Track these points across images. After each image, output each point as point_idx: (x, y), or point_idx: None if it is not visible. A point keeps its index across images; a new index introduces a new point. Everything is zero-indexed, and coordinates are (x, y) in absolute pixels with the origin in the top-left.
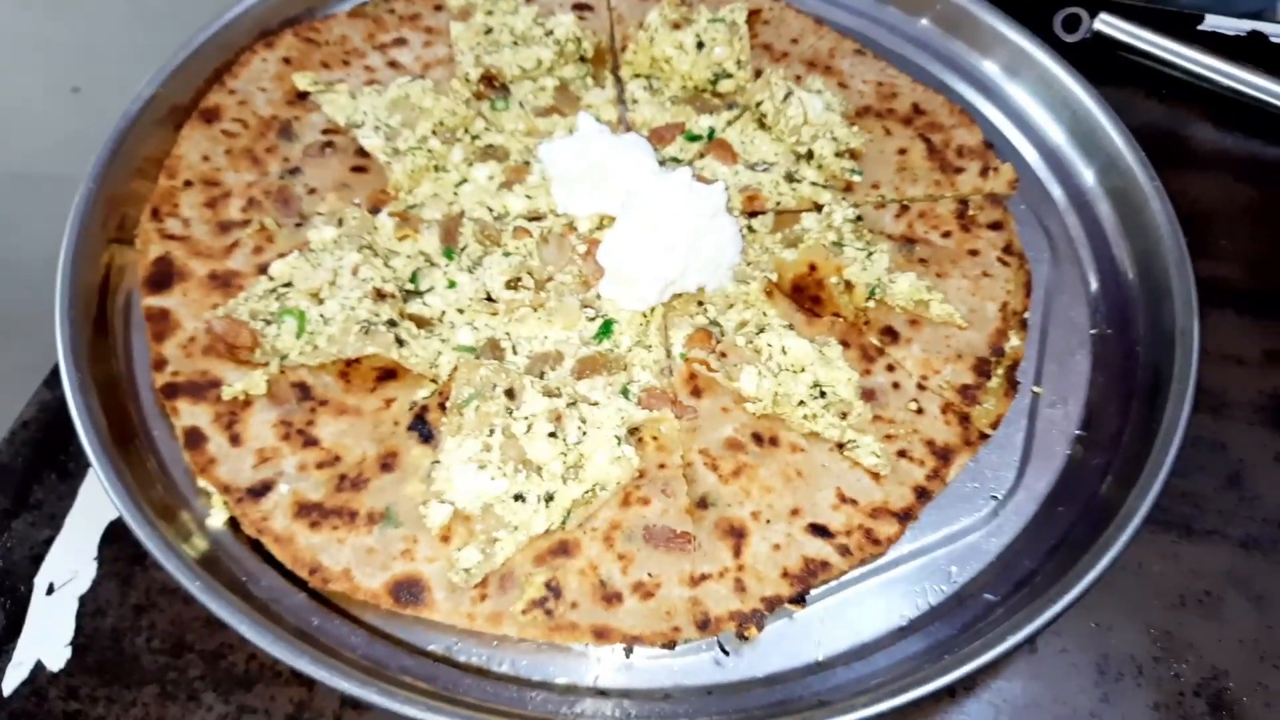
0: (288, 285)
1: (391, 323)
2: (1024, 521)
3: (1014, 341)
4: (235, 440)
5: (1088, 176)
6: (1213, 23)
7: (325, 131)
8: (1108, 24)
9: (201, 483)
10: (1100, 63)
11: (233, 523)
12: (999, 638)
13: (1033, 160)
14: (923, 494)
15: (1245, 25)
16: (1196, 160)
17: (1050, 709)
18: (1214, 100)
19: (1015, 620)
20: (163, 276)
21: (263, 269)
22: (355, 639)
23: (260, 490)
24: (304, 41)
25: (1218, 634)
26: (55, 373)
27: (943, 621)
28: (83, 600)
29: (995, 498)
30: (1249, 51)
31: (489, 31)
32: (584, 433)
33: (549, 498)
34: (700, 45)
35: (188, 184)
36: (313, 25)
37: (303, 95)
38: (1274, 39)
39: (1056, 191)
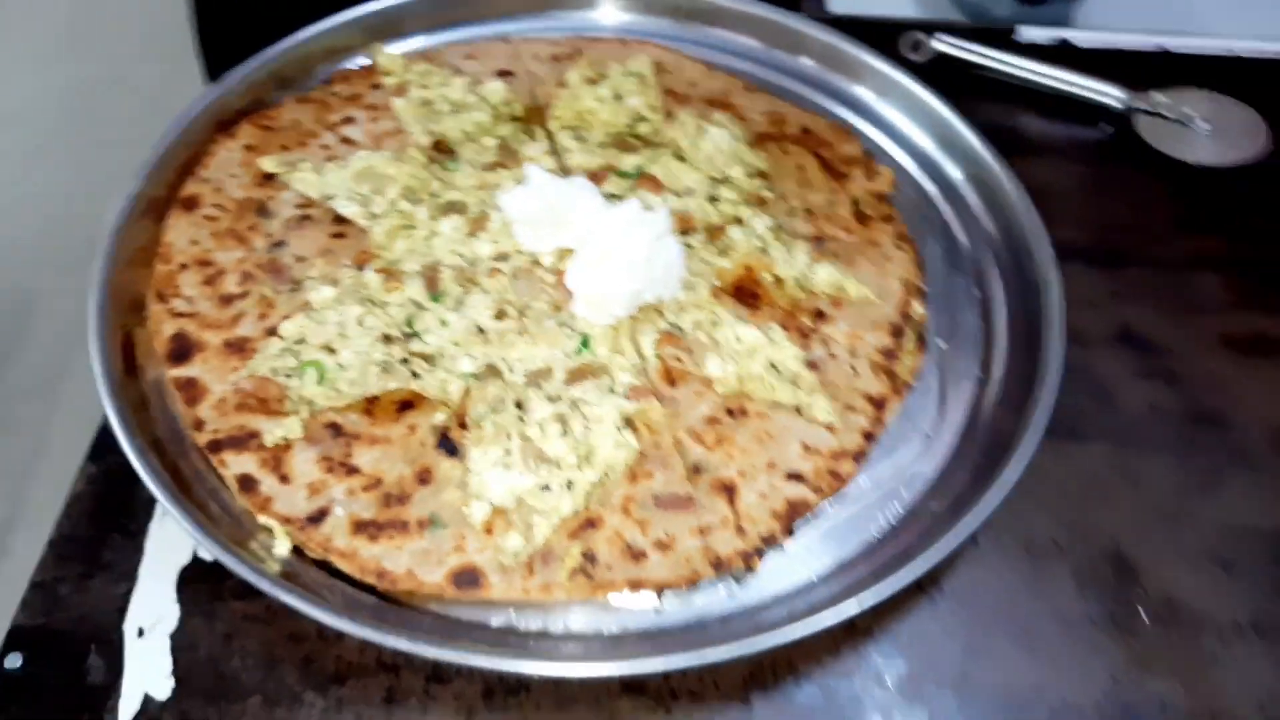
0: (300, 342)
1: (404, 360)
2: (951, 448)
3: (918, 309)
4: (284, 479)
5: (954, 172)
6: (1029, 35)
7: (300, 205)
8: (944, 42)
9: (262, 519)
10: (948, 77)
11: (297, 552)
12: (951, 537)
13: (909, 165)
14: (869, 437)
15: (1055, 34)
16: (1033, 147)
17: (996, 587)
18: (1040, 97)
19: (960, 522)
20: (181, 350)
21: (272, 331)
22: (427, 623)
23: (318, 517)
24: (261, 129)
25: (1111, 511)
26: (96, 448)
27: (903, 533)
28: (173, 638)
29: (927, 434)
30: (1061, 55)
31: (427, 103)
32: (588, 428)
33: (569, 484)
34: (617, 96)
35: (183, 266)
36: (265, 114)
37: (270, 176)
38: (1078, 44)
39: (931, 188)
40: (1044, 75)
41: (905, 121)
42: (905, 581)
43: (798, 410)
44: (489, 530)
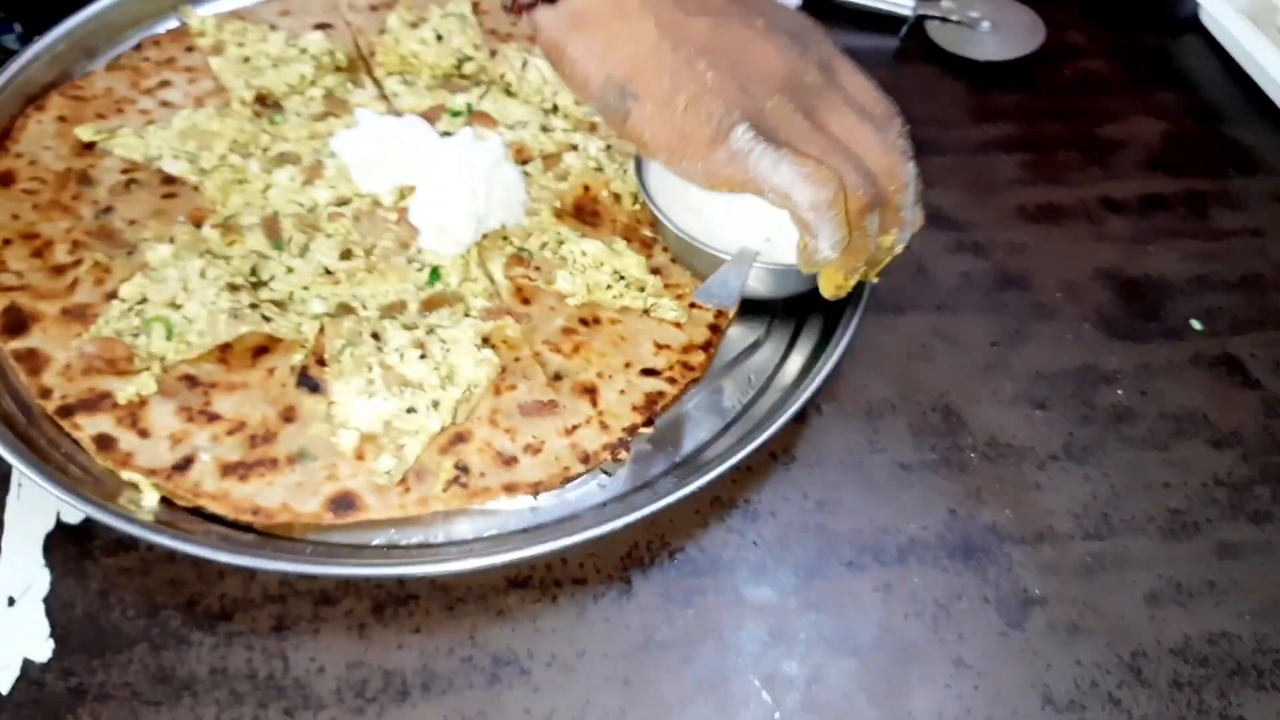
0: (142, 302)
1: (253, 305)
2: (788, 336)
3: None
4: (144, 434)
5: None
6: None
7: (124, 171)
8: None
9: (126, 475)
10: None
11: (166, 502)
12: (793, 402)
13: None
14: (715, 329)
15: None
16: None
17: (841, 448)
18: (841, 12)
19: (801, 389)
20: (16, 323)
21: (112, 295)
22: (308, 550)
23: (183, 465)
24: (72, 100)
25: (935, 370)
26: None
27: (753, 410)
28: (46, 601)
29: (768, 322)
30: None
31: (247, 60)
32: (447, 350)
33: (435, 404)
34: (439, 37)
35: (6, 242)
36: (75, 84)
37: (89, 145)
38: None
39: None
40: None
41: None
42: (755, 447)
43: (646, 312)
44: (360, 456)
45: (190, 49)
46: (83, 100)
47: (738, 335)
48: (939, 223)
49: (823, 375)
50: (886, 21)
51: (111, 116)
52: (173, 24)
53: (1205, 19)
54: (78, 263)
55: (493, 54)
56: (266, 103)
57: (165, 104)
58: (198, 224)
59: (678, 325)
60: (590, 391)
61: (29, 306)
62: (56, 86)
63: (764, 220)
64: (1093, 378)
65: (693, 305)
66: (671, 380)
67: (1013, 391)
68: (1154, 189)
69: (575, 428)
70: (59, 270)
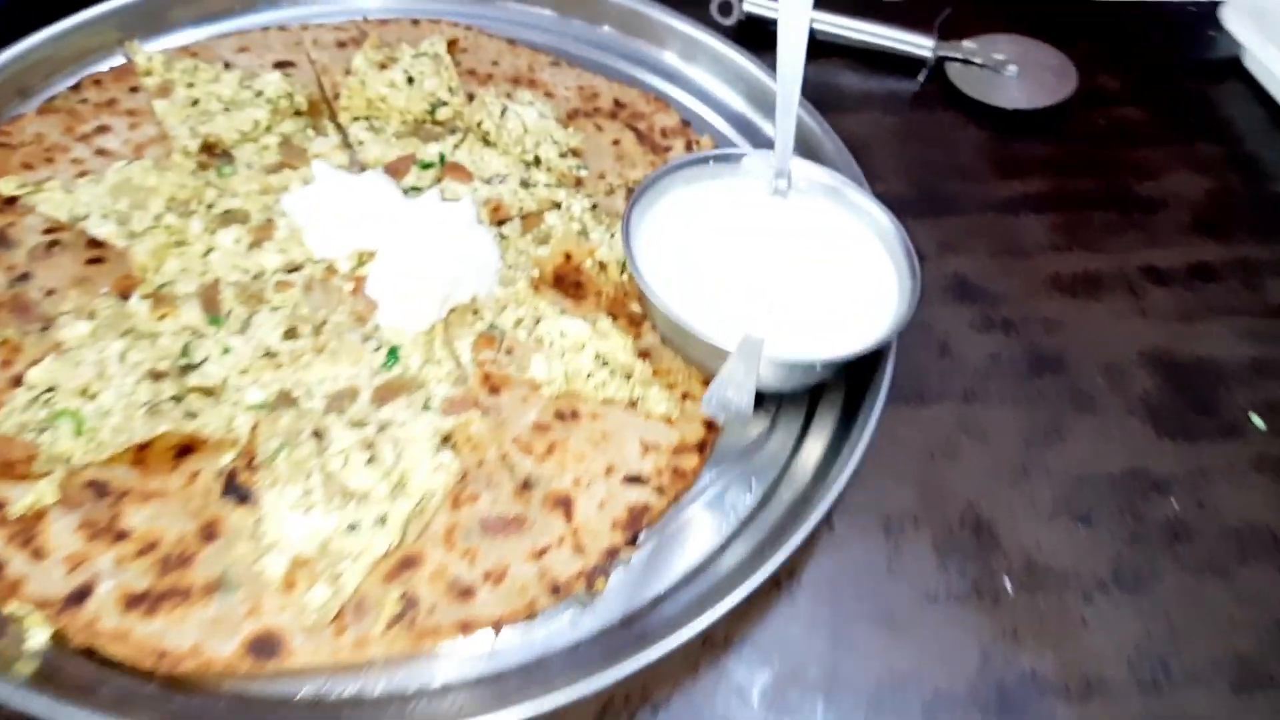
0: (51, 390)
1: (176, 398)
2: (797, 428)
3: None
4: (38, 554)
5: (772, 132)
6: None
7: (47, 231)
8: (755, 5)
9: (10, 608)
10: (758, 37)
11: (60, 639)
12: (801, 520)
13: (724, 128)
14: (711, 426)
15: None
16: (850, 102)
17: (856, 571)
18: (853, 53)
19: (812, 507)
20: None
21: (18, 381)
22: (221, 707)
23: (80, 595)
24: None
25: (962, 472)
26: None
27: (754, 527)
28: None
29: (773, 414)
30: (869, 8)
31: (196, 103)
32: (400, 452)
33: (382, 519)
34: (410, 80)
35: None
36: (1, 128)
37: (10, 200)
38: None
39: (750, 150)
40: (854, 30)
41: (718, 85)
42: (760, 580)
43: (632, 405)
44: (290, 586)
45: (135, 89)
46: (8, 148)
47: (734, 428)
48: (963, 294)
49: (840, 483)
50: (904, 63)
51: (40, 167)
52: (118, 60)
53: (1249, 62)
54: None
55: (470, 98)
56: (214, 152)
57: (101, 152)
58: (125, 295)
59: (669, 421)
60: (564, 504)
61: None
62: None
63: (763, 303)
64: (1142, 484)
65: (686, 396)
66: (659, 490)
67: (1051, 500)
68: (1201, 256)
69: (545, 550)
70: None
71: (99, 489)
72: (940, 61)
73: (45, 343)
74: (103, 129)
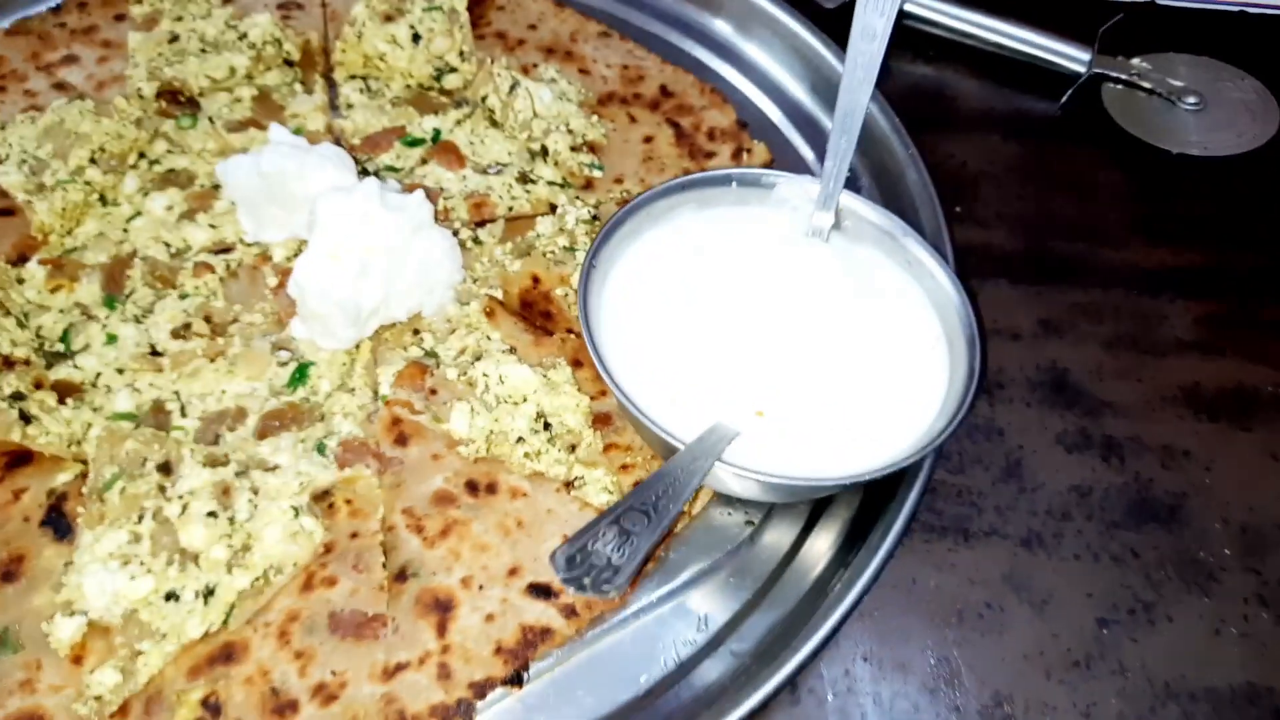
0: None
1: (18, 395)
2: (783, 550)
3: None
4: None
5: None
6: None
7: None
8: None
9: None
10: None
11: None
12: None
13: (777, 118)
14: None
15: None
16: (964, 122)
17: None
18: (981, 57)
19: (773, 665)
20: None
21: None
22: None
23: None
24: None
25: (999, 650)
26: None
27: (689, 679)
28: None
29: (751, 523)
30: (1017, 2)
31: (174, 39)
32: (255, 506)
33: (209, 592)
34: (416, 38)
35: None
36: None
37: None
38: None
39: (810, 155)
40: (988, 29)
41: (776, 65)
42: None
43: (567, 486)
44: (78, 659)
45: (120, 17)
46: None
47: (699, 534)
48: (1059, 395)
49: (816, 640)
50: (1046, 78)
51: None
52: None
53: None
54: None
55: (482, 65)
56: (179, 99)
57: (60, 86)
58: (24, 257)
59: None
60: (442, 609)
61: None
62: None
63: (765, 380)
64: (1264, 711)
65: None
66: (569, 611)
67: (1118, 714)
68: None
69: (401, 668)
70: None
71: None
72: (1095, 81)
73: None
74: (70, 59)
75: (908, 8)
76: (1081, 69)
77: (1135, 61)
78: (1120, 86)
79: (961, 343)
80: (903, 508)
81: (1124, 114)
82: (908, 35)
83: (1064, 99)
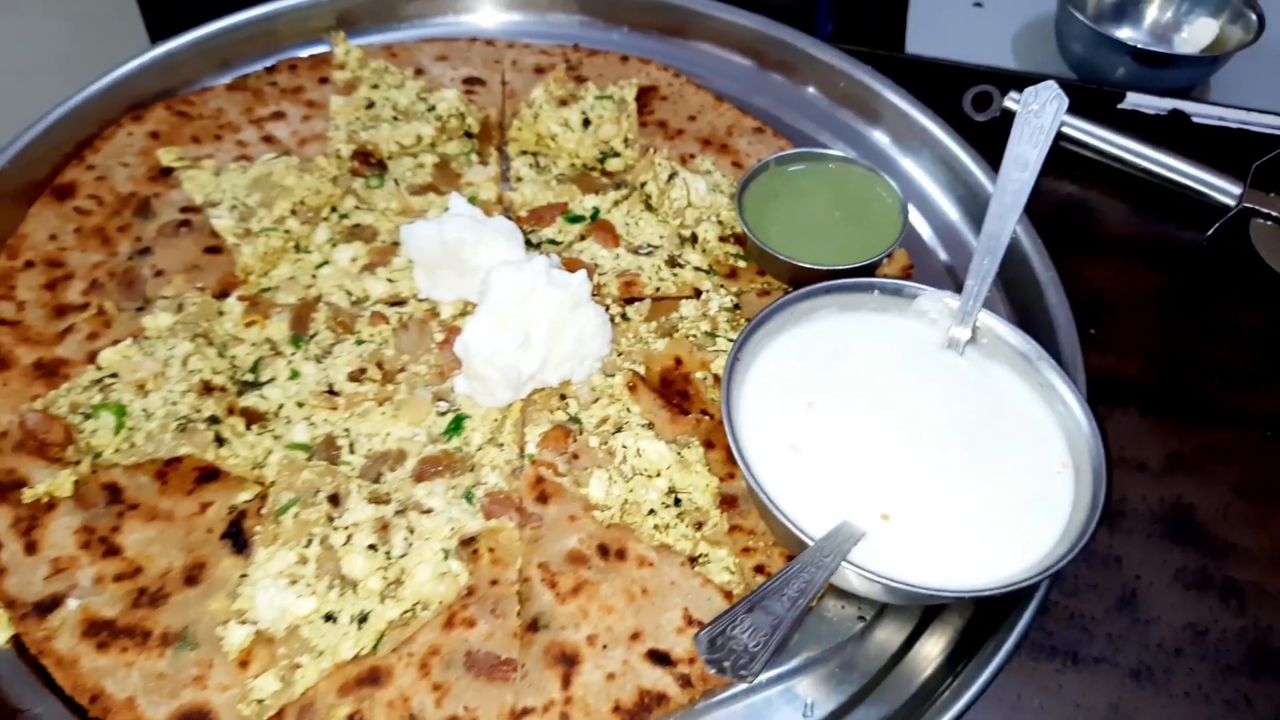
0: (114, 376)
1: (213, 419)
2: (892, 648)
3: None
4: (31, 548)
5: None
6: (1134, 101)
7: (184, 210)
8: (1017, 100)
9: None
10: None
11: (18, 643)
12: None
13: (927, 235)
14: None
15: (1167, 104)
16: (1107, 245)
17: None
18: (1129, 182)
19: None
20: None
21: (94, 356)
22: None
23: (48, 605)
24: (175, 115)
25: None
26: None
27: None
28: None
29: (863, 618)
30: (1169, 131)
31: (370, 105)
32: (410, 544)
33: (362, 618)
34: (586, 123)
35: (29, 264)
36: (187, 98)
37: (167, 171)
38: (1196, 119)
39: (947, 258)
40: (1139, 155)
41: (928, 180)
42: None
43: (690, 561)
44: (244, 663)
45: (324, 80)
46: (186, 118)
47: (811, 623)
48: (1181, 533)
49: None
50: (1195, 209)
51: (206, 143)
52: (322, 49)
53: None
54: (84, 306)
55: (645, 152)
56: (370, 161)
57: (268, 139)
58: (226, 292)
59: (727, 596)
60: (569, 662)
61: (7, 349)
62: (171, 95)
63: (893, 484)
64: None
65: (758, 570)
66: (685, 681)
67: None
68: None
69: (526, 712)
70: (61, 311)
71: (113, 493)
72: (1244, 215)
73: (132, 324)
74: (278, 115)
75: (1060, 129)
76: (1231, 202)
77: None
78: (1270, 223)
79: (1088, 471)
80: (1016, 625)
81: (1272, 252)
82: (1057, 154)
83: (1211, 231)
